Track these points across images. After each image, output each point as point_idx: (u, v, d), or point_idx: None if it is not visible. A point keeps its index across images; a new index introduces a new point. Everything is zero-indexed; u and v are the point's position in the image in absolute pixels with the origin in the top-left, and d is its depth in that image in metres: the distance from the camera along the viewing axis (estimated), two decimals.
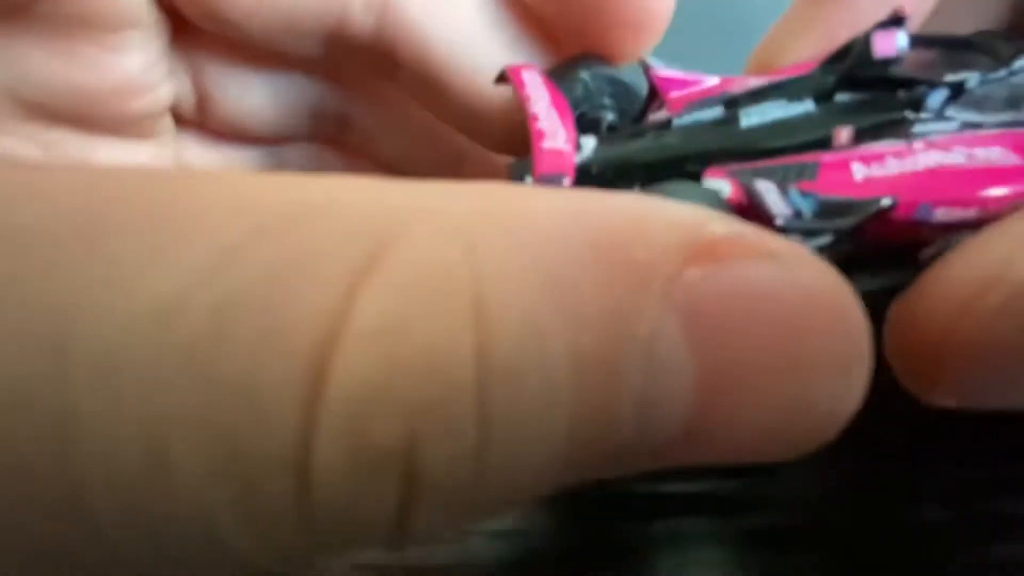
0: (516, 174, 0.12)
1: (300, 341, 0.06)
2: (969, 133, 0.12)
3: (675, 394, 0.07)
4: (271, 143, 0.21)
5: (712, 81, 0.14)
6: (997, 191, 0.11)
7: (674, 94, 0.13)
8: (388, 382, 0.06)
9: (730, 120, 0.12)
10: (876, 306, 0.10)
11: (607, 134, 0.13)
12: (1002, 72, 0.12)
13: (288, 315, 0.06)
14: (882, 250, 0.11)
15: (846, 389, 0.08)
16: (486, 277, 0.07)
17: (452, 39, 0.16)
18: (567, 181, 0.11)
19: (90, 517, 0.06)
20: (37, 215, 0.06)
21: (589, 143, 0.12)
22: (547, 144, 0.12)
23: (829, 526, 0.14)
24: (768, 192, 0.11)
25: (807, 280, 0.07)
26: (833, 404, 0.08)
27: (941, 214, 0.11)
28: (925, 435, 0.16)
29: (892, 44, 0.12)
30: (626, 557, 0.14)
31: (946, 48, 0.13)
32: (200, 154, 0.20)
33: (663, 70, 0.14)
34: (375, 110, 0.20)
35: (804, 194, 0.11)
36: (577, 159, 0.12)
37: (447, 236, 0.07)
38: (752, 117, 0.12)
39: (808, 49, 0.14)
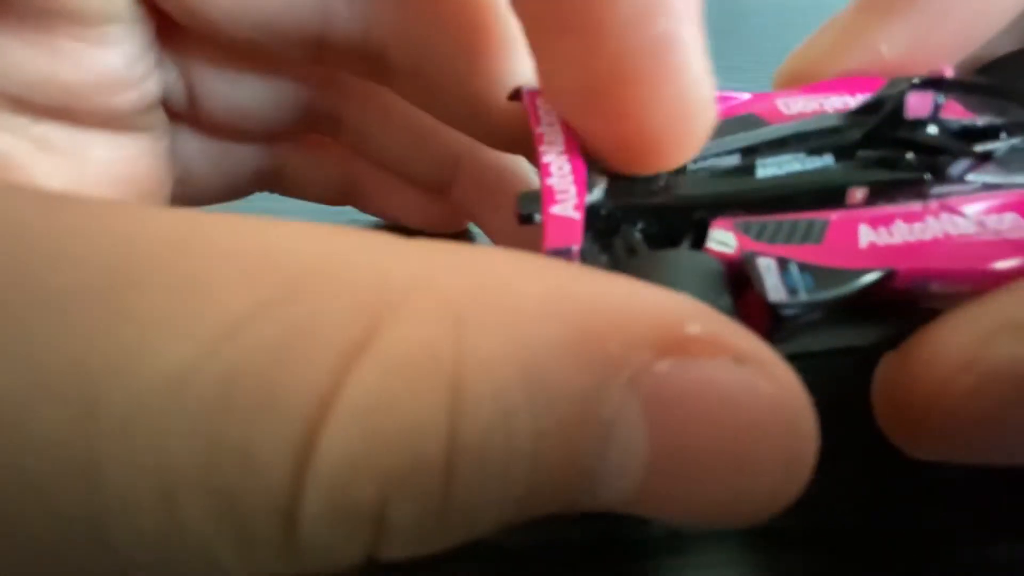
0: (525, 210, 0.12)
1: (294, 413, 0.07)
2: (986, 194, 0.12)
3: (626, 468, 0.08)
4: (266, 140, 0.21)
5: (742, 97, 0.13)
6: (999, 265, 0.11)
7: None
8: (368, 454, 0.07)
9: (746, 169, 0.12)
10: (868, 356, 0.11)
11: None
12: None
13: (285, 390, 0.07)
14: (877, 304, 0.11)
15: (785, 487, 0.08)
16: (467, 362, 0.07)
17: (446, 40, 0.16)
18: (575, 250, 0.11)
19: (110, 546, 0.07)
20: (69, 273, 0.07)
21: (600, 184, 0.12)
22: (557, 209, 0.11)
23: (829, 526, 0.14)
24: (768, 273, 0.11)
25: (765, 387, 0.08)
26: (772, 497, 0.09)
27: (938, 287, 0.11)
28: None
29: (926, 105, 0.12)
30: (626, 557, 0.14)
31: (984, 95, 0.13)
32: (196, 149, 0.20)
33: None
34: (368, 110, 0.20)
35: (803, 269, 0.11)
36: (588, 200, 0.12)
37: (437, 317, 0.07)
38: (769, 168, 0.12)
39: (849, 64, 0.13)
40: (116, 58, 0.16)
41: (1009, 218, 0.11)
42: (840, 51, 0.14)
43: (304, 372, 0.07)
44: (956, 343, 0.10)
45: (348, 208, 0.24)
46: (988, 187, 0.12)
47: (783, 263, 0.11)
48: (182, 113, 0.19)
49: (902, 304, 0.11)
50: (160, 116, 0.19)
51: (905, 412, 0.11)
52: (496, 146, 0.18)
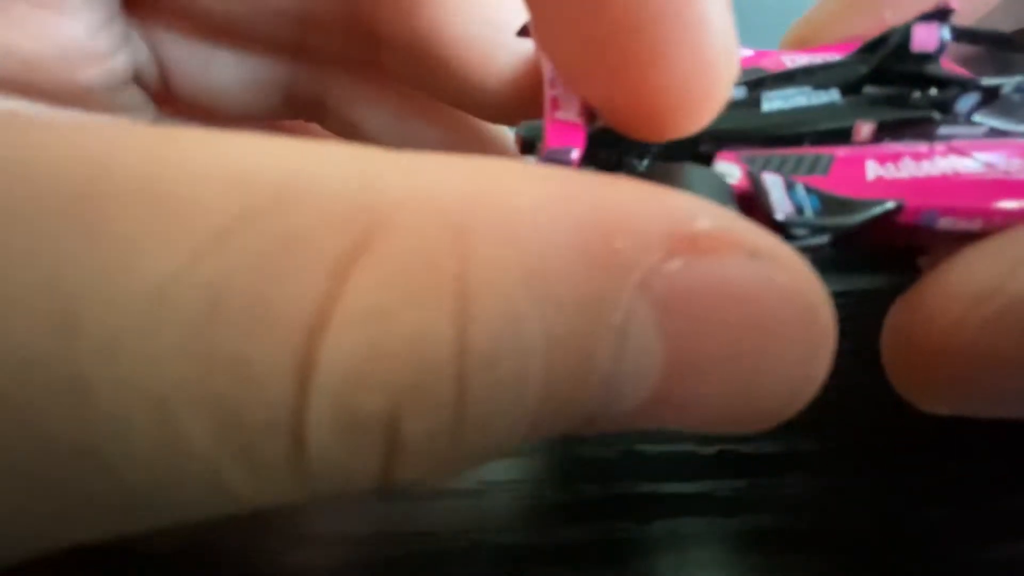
0: (527, 136, 0.12)
1: (291, 324, 0.07)
2: (993, 140, 0.11)
3: (641, 374, 0.08)
4: (244, 124, 0.20)
5: (746, 53, 0.13)
6: (1007, 204, 0.11)
7: None
8: (373, 363, 0.07)
9: (752, 103, 0.12)
10: (876, 304, 0.11)
11: None
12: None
13: (279, 299, 0.07)
14: (880, 250, 0.11)
15: (805, 382, 0.08)
16: (470, 268, 0.07)
17: (438, 9, 0.15)
18: (576, 154, 0.11)
19: (108, 467, 0.07)
20: (41, 190, 0.07)
21: None
22: (560, 114, 0.11)
23: (829, 526, 0.14)
24: (773, 187, 0.11)
25: (782, 279, 0.08)
26: (790, 394, 0.08)
27: (946, 223, 0.11)
28: (925, 435, 0.16)
29: (933, 38, 0.11)
30: (626, 557, 0.14)
31: (989, 44, 0.13)
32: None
33: None
34: (355, 95, 0.19)
35: (809, 190, 0.11)
36: (591, 129, 0.11)
37: (435, 224, 0.07)
38: (775, 102, 0.12)
39: (854, 28, 0.13)
40: (77, 27, 0.15)
41: (1018, 162, 0.11)
42: (845, 16, 0.14)
43: (297, 279, 0.07)
44: (973, 276, 0.10)
45: None
46: (995, 132, 0.12)
47: (789, 183, 0.11)
48: (158, 93, 0.18)
49: (909, 249, 0.11)
50: (135, 95, 0.18)
51: (918, 354, 0.10)
52: (491, 118, 0.17)
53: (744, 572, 0.13)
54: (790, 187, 0.11)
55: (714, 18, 0.10)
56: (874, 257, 0.11)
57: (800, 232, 0.10)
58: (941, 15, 0.11)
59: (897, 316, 0.11)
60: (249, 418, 0.07)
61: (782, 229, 0.10)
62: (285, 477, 0.07)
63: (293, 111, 0.19)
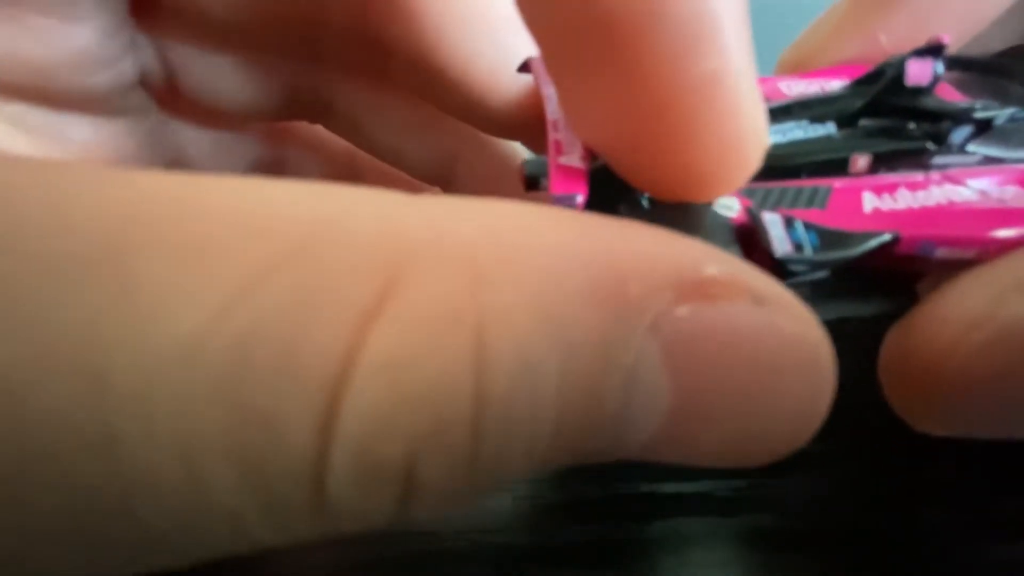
0: (531, 173, 0.12)
1: (315, 375, 0.07)
2: (988, 168, 0.12)
3: (649, 413, 0.08)
4: (255, 125, 0.20)
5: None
6: (1003, 232, 0.11)
7: None
8: (393, 413, 0.07)
9: None
10: (873, 331, 0.11)
11: None
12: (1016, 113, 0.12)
13: (304, 350, 0.07)
14: (879, 277, 0.11)
15: (807, 421, 0.09)
16: (488, 315, 0.07)
17: (447, 24, 0.15)
18: (580, 199, 0.11)
19: (135, 515, 0.07)
20: (73, 241, 0.07)
21: None
22: (564, 159, 0.11)
23: (829, 527, 0.14)
24: (773, 225, 0.11)
25: (785, 325, 0.08)
26: (793, 432, 0.09)
27: (943, 252, 0.11)
28: (925, 436, 0.16)
29: (927, 72, 0.12)
30: (626, 557, 0.14)
31: (981, 71, 0.13)
32: (188, 140, 0.19)
33: None
34: (361, 96, 0.19)
35: (808, 227, 0.11)
36: (593, 166, 0.12)
37: (454, 271, 0.07)
38: (773, 135, 0.12)
39: (848, 52, 0.13)
40: (87, 35, 0.15)
41: (1012, 190, 0.11)
42: (840, 40, 0.14)
43: (322, 331, 0.07)
44: (966, 303, 0.10)
45: None
46: (989, 160, 0.12)
47: (789, 220, 0.11)
48: (164, 96, 0.18)
49: (907, 275, 0.11)
50: (140, 97, 0.18)
51: (914, 378, 0.10)
52: (495, 132, 0.17)
53: (744, 572, 0.13)
54: (789, 224, 0.11)
55: (745, 104, 0.10)
56: (870, 285, 0.12)
57: (800, 268, 0.11)
58: (935, 50, 0.12)
59: (894, 340, 0.11)
60: (272, 468, 0.07)
61: (782, 266, 0.10)
62: (305, 522, 0.07)
63: (298, 113, 0.19)
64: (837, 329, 0.09)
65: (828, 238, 0.11)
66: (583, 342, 0.07)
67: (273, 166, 0.21)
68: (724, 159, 0.10)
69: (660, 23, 0.09)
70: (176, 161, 0.19)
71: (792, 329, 0.08)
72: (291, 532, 0.07)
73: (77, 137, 0.17)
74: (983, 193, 0.11)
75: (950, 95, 0.12)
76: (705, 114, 0.10)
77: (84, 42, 0.15)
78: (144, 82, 0.18)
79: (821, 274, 0.11)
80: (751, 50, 0.10)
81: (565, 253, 0.08)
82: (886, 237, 0.11)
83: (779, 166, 0.12)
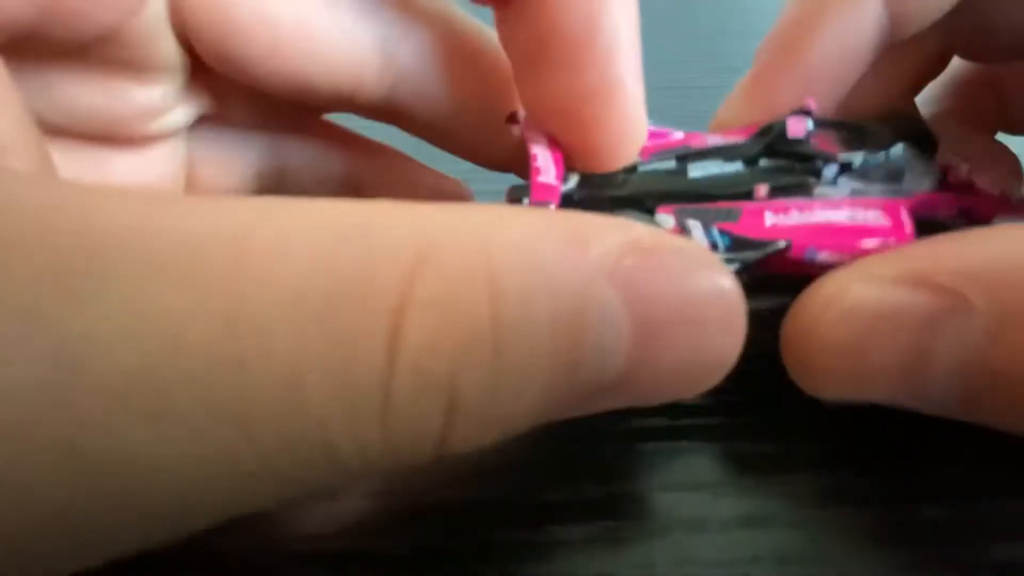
0: (514, 195, 0.16)
1: (382, 310, 0.09)
2: (856, 198, 0.16)
3: (618, 343, 0.11)
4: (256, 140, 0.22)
5: (677, 135, 0.18)
6: (869, 242, 0.15)
7: (647, 144, 0.17)
8: (438, 336, 0.09)
9: (680, 172, 0.16)
10: (776, 319, 0.14)
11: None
12: (880, 155, 0.16)
13: (372, 295, 0.09)
14: (781, 278, 0.15)
15: (730, 343, 0.11)
16: (497, 274, 0.10)
17: (458, 98, 0.19)
18: (553, 206, 0.15)
19: (250, 431, 0.09)
20: (209, 239, 0.09)
21: (574, 177, 0.16)
22: (541, 179, 0.16)
23: (829, 526, 0.14)
24: (695, 228, 0.15)
25: (703, 265, 0.11)
26: (721, 354, 0.11)
27: (823, 256, 0.15)
28: (925, 436, 0.16)
29: (801, 128, 0.16)
30: (627, 551, 0.14)
31: (845, 130, 0.17)
32: (196, 153, 0.21)
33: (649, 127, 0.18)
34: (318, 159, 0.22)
35: (722, 232, 0.15)
36: (563, 189, 0.16)
37: (469, 244, 0.10)
38: (697, 171, 0.16)
39: (751, 117, 0.18)
40: (157, 94, 0.18)
41: (873, 213, 0.15)
42: (744, 114, 0.19)
43: (383, 283, 0.09)
44: (825, 289, 0.13)
45: None
46: (856, 192, 0.16)
47: (707, 225, 0.15)
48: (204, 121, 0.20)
49: (800, 276, 0.14)
50: (183, 131, 0.20)
51: (793, 349, 0.14)
52: (494, 168, 0.22)
53: (744, 564, 0.13)
54: (707, 228, 0.15)
55: (634, 100, 0.16)
56: (774, 284, 0.15)
57: None
58: (805, 112, 0.16)
59: (785, 320, 0.14)
60: (355, 382, 0.09)
61: None
62: (376, 429, 0.09)
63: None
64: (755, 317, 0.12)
65: (738, 241, 0.15)
66: (564, 287, 0.10)
67: (274, 176, 0.23)
68: (622, 134, 0.16)
69: (590, 43, 0.15)
70: (189, 174, 0.21)
71: (708, 268, 0.11)
72: (365, 444, 0.09)
73: (118, 169, 0.19)
74: (852, 215, 0.15)
75: (827, 145, 0.17)
76: (614, 100, 0.16)
77: (155, 98, 0.18)
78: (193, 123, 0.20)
79: (734, 268, 0.14)
80: (640, 66, 0.16)
81: (544, 226, 0.11)
82: (781, 243, 0.15)
83: (702, 193, 0.16)
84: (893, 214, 0.15)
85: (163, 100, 0.18)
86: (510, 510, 0.15)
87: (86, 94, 0.17)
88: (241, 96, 0.20)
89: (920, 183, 0.17)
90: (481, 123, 0.20)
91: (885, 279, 0.13)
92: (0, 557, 0.09)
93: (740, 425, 0.16)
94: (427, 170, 0.24)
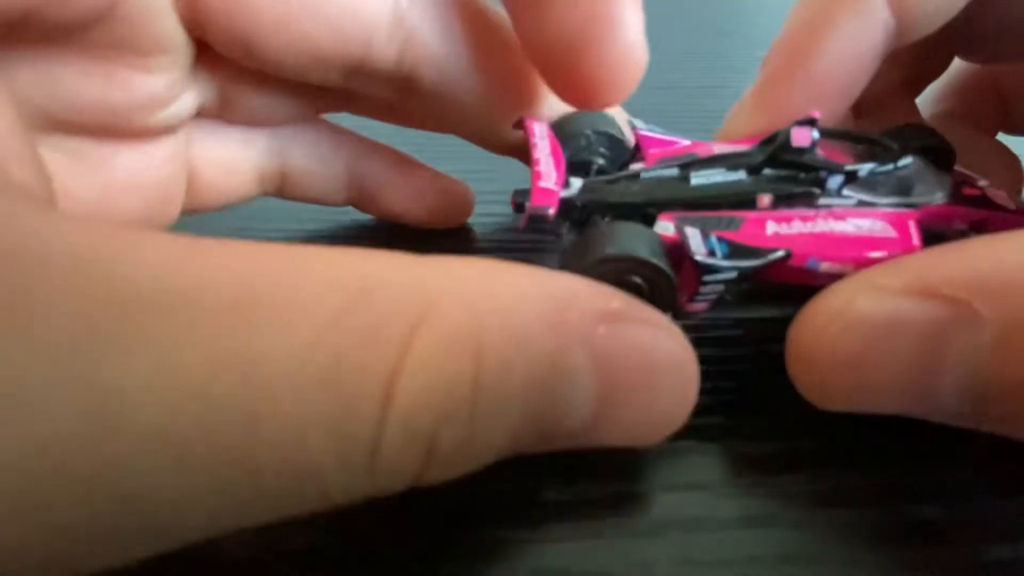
0: (518, 199, 0.16)
1: (380, 372, 0.10)
2: (862, 209, 0.16)
3: (585, 401, 0.12)
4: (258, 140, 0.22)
5: (683, 143, 0.18)
6: (873, 254, 0.15)
7: (653, 151, 0.17)
8: (426, 397, 0.10)
9: (683, 179, 0.16)
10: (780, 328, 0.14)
11: (594, 176, 0.17)
12: (889, 166, 0.16)
13: (372, 357, 0.10)
14: (784, 288, 0.15)
15: (683, 407, 0.13)
16: (484, 338, 0.11)
17: (466, 67, 0.19)
18: (552, 210, 0.15)
19: (259, 477, 0.10)
20: (208, 299, 0.10)
21: (577, 183, 0.16)
22: (542, 183, 0.16)
23: (829, 526, 0.14)
24: (693, 236, 0.15)
25: (666, 340, 0.13)
26: (674, 415, 0.13)
27: (826, 267, 0.15)
28: (925, 436, 0.16)
29: (806, 137, 0.16)
30: (631, 546, 0.14)
31: (853, 140, 0.17)
32: (198, 152, 0.21)
33: (647, 132, 0.18)
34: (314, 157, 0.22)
35: (721, 239, 0.15)
36: (565, 194, 0.16)
37: (462, 310, 0.11)
38: (700, 179, 0.16)
39: (759, 126, 0.18)
40: (161, 82, 0.18)
41: (880, 224, 0.15)
42: (749, 123, 0.19)
43: (382, 348, 0.10)
44: (830, 301, 0.13)
45: (349, 208, 0.24)
46: (862, 203, 0.16)
47: (705, 233, 0.15)
48: (207, 116, 0.20)
49: (803, 287, 0.14)
50: (186, 126, 0.20)
51: (799, 362, 0.14)
52: (500, 152, 0.22)
53: (744, 564, 0.13)
54: (706, 236, 0.15)
55: (631, 32, 0.17)
56: (781, 293, 0.15)
57: (712, 266, 0.14)
58: (810, 122, 0.16)
59: (790, 333, 0.14)
60: (351, 437, 0.10)
61: (699, 266, 0.14)
62: (362, 478, 0.10)
63: (324, 108, 0.22)
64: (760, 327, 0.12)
65: (737, 249, 0.15)
66: (541, 350, 0.11)
67: (275, 177, 0.23)
68: (618, 68, 0.17)
69: None
70: (191, 174, 0.21)
71: (671, 343, 0.13)
72: (351, 488, 0.11)
73: (124, 164, 0.19)
74: (858, 226, 0.15)
75: (835, 156, 0.16)
76: (609, 32, 0.17)
77: (157, 88, 0.18)
78: (197, 113, 0.20)
79: (731, 275, 0.14)
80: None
81: (531, 290, 0.12)
82: (781, 252, 0.14)
83: (704, 201, 0.16)
84: (900, 226, 0.15)
85: (166, 89, 0.18)
86: (510, 509, 0.15)
87: (87, 84, 0.17)
88: (244, 86, 0.20)
89: (932, 195, 0.16)
90: (491, 92, 0.19)
91: (891, 290, 0.13)
92: (31, 566, 0.09)
93: (740, 425, 0.16)
94: (429, 170, 0.24)
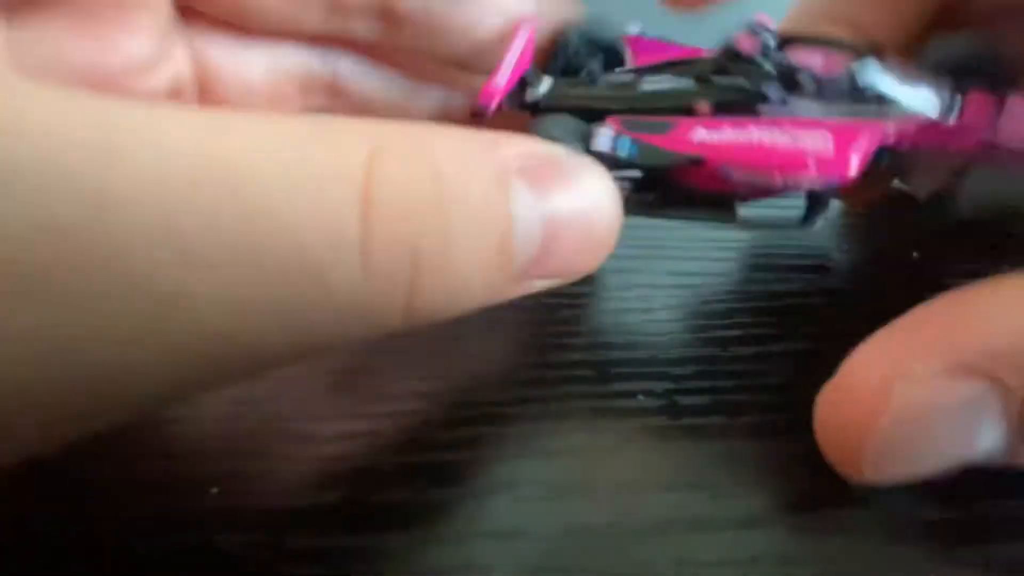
0: (475, 109, 0.17)
1: (355, 179, 0.11)
2: (809, 118, 0.15)
3: (531, 224, 0.13)
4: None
5: (679, 48, 0.18)
6: (793, 170, 0.15)
7: (643, 56, 0.18)
8: (400, 205, 0.12)
9: (634, 84, 0.17)
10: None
11: (564, 78, 0.18)
12: (840, 76, 0.15)
13: (343, 169, 0.11)
14: (707, 194, 0.16)
15: (610, 237, 0.14)
16: (438, 159, 0.12)
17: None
18: (492, 106, 0.17)
19: (325, 283, 0.11)
20: (214, 184, 0.11)
21: (546, 83, 0.18)
22: (491, 83, 0.17)
23: (828, 526, 0.14)
24: (601, 135, 0.16)
25: (585, 168, 0.14)
26: (605, 244, 0.14)
27: (740, 175, 0.15)
28: None
29: (753, 45, 0.16)
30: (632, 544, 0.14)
31: (809, 43, 0.17)
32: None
33: (640, 37, 0.18)
34: (364, 71, 0.22)
35: (634, 141, 0.16)
36: (531, 95, 0.18)
37: (412, 140, 0.12)
38: (648, 85, 0.17)
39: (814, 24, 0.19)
40: (144, 42, 0.18)
41: (820, 135, 0.15)
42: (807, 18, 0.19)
43: (352, 163, 0.11)
44: (870, 388, 0.13)
45: None
46: (810, 112, 0.15)
47: (619, 135, 0.16)
48: (187, 97, 0.20)
49: (725, 193, 0.16)
50: (188, 90, 0.20)
51: (842, 451, 0.14)
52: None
53: (745, 565, 0.13)
54: (618, 136, 0.16)
55: None
56: (701, 198, 0.16)
57: (616, 162, 0.15)
58: (758, 29, 0.16)
59: (823, 406, 0.14)
60: (340, 236, 0.11)
61: (600, 160, 0.15)
62: (358, 276, 0.11)
63: (308, 97, 0.22)
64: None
65: (646, 151, 0.15)
66: (486, 171, 0.13)
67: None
68: None
69: None
70: None
71: (588, 171, 0.14)
72: (350, 290, 0.11)
73: None
74: (793, 136, 0.15)
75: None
76: None
77: (141, 48, 0.18)
78: (179, 84, 0.20)
79: (634, 173, 0.15)
80: None
81: (467, 133, 0.13)
82: (691, 157, 0.15)
83: (647, 107, 0.16)
84: (842, 143, 0.15)
85: (151, 51, 0.18)
86: (508, 509, 0.15)
87: (78, 48, 0.18)
88: (222, 34, 0.20)
89: (923, 108, 0.15)
90: (473, 15, 0.19)
91: (927, 376, 0.13)
92: (44, 399, 0.10)
93: (740, 425, 0.16)
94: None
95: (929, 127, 0.15)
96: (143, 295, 0.10)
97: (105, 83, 0.18)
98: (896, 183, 0.16)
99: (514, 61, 0.17)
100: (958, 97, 0.16)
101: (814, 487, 0.15)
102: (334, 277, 0.11)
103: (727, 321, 0.19)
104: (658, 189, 0.16)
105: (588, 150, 0.15)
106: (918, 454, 0.13)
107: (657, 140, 0.15)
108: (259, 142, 0.11)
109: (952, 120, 0.15)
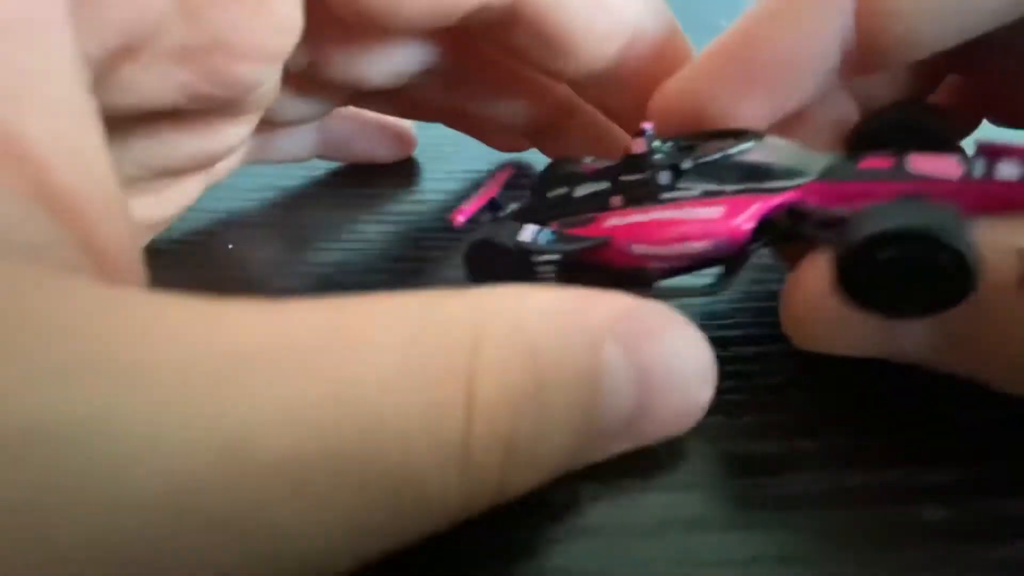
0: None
1: (460, 376, 0.11)
2: (706, 198, 0.17)
3: (625, 389, 0.13)
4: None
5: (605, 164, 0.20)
6: (686, 241, 0.17)
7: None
8: (501, 395, 0.11)
9: (569, 193, 0.19)
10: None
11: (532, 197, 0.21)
12: (715, 156, 0.17)
13: (451, 368, 0.11)
14: (622, 270, 0.18)
15: (706, 393, 0.14)
16: (534, 341, 0.12)
17: (571, 4, 0.20)
18: (458, 222, 0.20)
19: (402, 512, 0.11)
20: (267, 354, 0.11)
21: (512, 205, 0.21)
22: (461, 207, 0.21)
23: (828, 526, 0.14)
24: (526, 231, 0.19)
25: (676, 323, 0.14)
26: (700, 402, 0.14)
27: (639, 249, 0.18)
28: (924, 436, 0.16)
29: (641, 145, 0.18)
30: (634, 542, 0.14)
31: (702, 140, 0.18)
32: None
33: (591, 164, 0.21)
34: (474, 69, 0.24)
35: (554, 232, 0.19)
36: (499, 213, 0.21)
37: (509, 319, 0.12)
38: (579, 192, 0.19)
39: (686, 100, 0.19)
40: (246, 129, 0.20)
41: (716, 209, 0.17)
42: (685, 95, 0.20)
43: (457, 358, 0.11)
44: (816, 283, 0.16)
45: (314, 161, 0.28)
46: (707, 193, 0.17)
47: (541, 228, 0.19)
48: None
49: (637, 269, 0.18)
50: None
51: (794, 321, 0.17)
52: (593, 102, 0.24)
53: (745, 564, 0.13)
54: (540, 230, 0.19)
55: None
56: (615, 275, 0.18)
57: (537, 251, 0.18)
58: (642, 133, 0.18)
59: (786, 288, 0.17)
60: (445, 439, 0.11)
61: (524, 251, 0.18)
62: (455, 482, 0.11)
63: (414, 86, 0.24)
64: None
65: (563, 238, 0.18)
66: (579, 344, 0.12)
67: (340, 143, 0.27)
68: None
69: None
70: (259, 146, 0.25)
71: (679, 326, 0.14)
72: (447, 493, 0.11)
73: (196, 188, 0.22)
74: (692, 214, 0.17)
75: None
76: None
77: (242, 134, 0.20)
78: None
79: (555, 257, 0.18)
80: None
81: (556, 299, 0.13)
82: (599, 240, 0.18)
83: (577, 209, 0.19)
84: (734, 210, 0.17)
85: (248, 132, 0.20)
86: (509, 509, 0.15)
87: (190, 140, 0.19)
88: (339, 45, 0.21)
89: (795, 178, 0.17)
90: (592, 32, 0.21)
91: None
92: None
93: (740, 425, 0.16)
94: (374, 115, 0.28)
95: (832, 186, 0.17)
96: (257, 541, 0.10)
97: (200, 163, 0.20)
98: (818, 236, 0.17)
99: (486, 191, 0.21)
100: (852, 159, 0.17)
101: (814, 487, 0.15)
102: (434, 483, 0.11)
103: (727, 321, 0.19)
104: (576, 269, 0.18)
105: (517, 241, 0.18)
106: (847, 328, 0.16)
107: (579, 230, 0.18)
108: (368, 353, 0.11)
109: (847, 179, 0.17)
